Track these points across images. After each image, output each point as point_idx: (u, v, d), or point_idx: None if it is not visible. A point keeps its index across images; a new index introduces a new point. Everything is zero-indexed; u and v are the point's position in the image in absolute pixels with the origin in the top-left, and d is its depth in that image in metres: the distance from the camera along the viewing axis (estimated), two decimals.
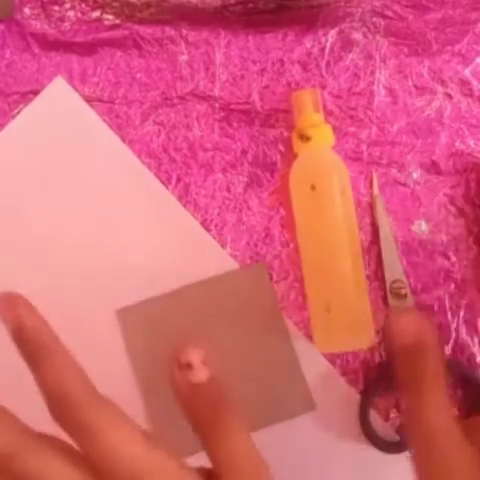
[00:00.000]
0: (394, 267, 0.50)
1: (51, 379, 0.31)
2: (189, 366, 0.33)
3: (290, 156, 0.50)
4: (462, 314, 0.50)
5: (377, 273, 0.50)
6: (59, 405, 0.31)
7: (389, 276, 0.50)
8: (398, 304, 0.49)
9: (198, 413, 0.34)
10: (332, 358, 0.50)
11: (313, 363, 0.50)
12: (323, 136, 0.48)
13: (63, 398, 0.31)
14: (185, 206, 0.50)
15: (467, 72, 0.51)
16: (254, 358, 0.50)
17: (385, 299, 0.50)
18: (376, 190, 0.50)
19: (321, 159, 0.48)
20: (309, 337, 0.49)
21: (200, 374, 0.34)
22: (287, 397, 0.49)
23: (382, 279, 0.50)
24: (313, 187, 0.47)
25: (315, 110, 0.48)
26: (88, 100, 0.51)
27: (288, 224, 0.50)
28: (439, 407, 0.33)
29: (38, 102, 0.51)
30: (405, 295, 0.49)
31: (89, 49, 0.51)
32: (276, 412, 0.49)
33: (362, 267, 0.48)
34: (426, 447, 0.34)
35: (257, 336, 0.50)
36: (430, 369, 0.33)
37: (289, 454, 0.49)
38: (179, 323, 0.49)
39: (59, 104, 0.51)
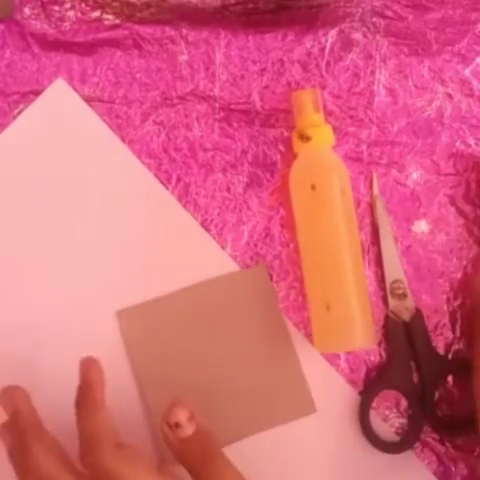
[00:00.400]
0: (394, 267, 0.50)
1: (88, 423, 0.40)
2: (177, 425, 0.41)
3: (290, 156, 0.50)
4: (462, 314, 0.50)
5: (377, 273, 0.50)
6: (88, 443, 0.39)
7: (389, 276, 0.50)
8: (398, 304, 0.49)
9: (190, 460, 0.41)
10: (332, 358, 0.50)
11: (313, 364, 0.50)
12: (323, 136, 0.48)
13: (92, 438, 0.39)
14: (185, 206, 0.50)
15: (467, 72, 0.51)
16: (254, 360, 0.50)
17: (385, 299, 0.50)
18: (376, 190, 0.50)
19: (321, 159, 0.48)
20: (309, 337, 0.49)
21: (187, 430, 0.41)
22: (287, 400, 0.49)
23: (382, 279, 0.50)
24: (313, 187, 0.47)
25: (315, 110, 0.48)
26: (88, 100, 0.51)
27: (288, 224, 0.50)
28: None
29: (38, 104, 0.51)
30: (405, 295, 0.49)
31: (89, 49, 0.51)
32: (276, 415, 0.49)
33: (362, 267, 0.48)
34: None
35: (257, 338, 0.50)
36: None
37: (290, 457, 0.49)
38: (179, 324, 0.49)
39: (59, 106, 0.51)
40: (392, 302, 0.49)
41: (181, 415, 0.41)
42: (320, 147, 0.48)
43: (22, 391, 0.43)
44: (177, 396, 0.43)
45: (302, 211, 0.48)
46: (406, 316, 0.49)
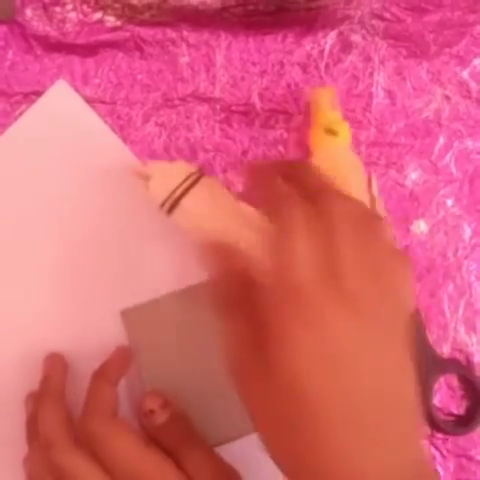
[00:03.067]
0: None
1: (92, 392, 0.44)
2: (152, 412, 0.44)
3: (290, 157, 0.51)
4: (460, 314, 0.50)
5: None
6: (87, 407, 0.43)
7: None
8: None
9: (167, 444, 0.43)
10: None
11: None
12: (347, 133, 0.48)
13: (91, 404, 0.44)
14: None
15: (465, 74, 0.52)
16: None
17: None
18: (375, 191, 0.50)
19: (343, 156, 0.48)
20: None
21: (162, 416, 0.44)
22: None
23: None
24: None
25: (333, 108, 0.48)
26: (90, 101, 0.51)
27: None
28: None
29: (40, 105, 0.51)
30: None
31: (91, 51, 0.51)
32: None
33: None
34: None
35: None
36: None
37: None
38: (183, 323, 0.49)
39: (61, 107, 0.51)
40: None
41: (154, 402, 0.45)
42: (341, 144, 0.48)
43: (60, 360, 0.48)
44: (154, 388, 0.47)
45: None
46: None
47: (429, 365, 0.49)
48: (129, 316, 0.49)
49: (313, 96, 0.49)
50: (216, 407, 0.49)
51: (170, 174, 0.45)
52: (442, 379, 0.50)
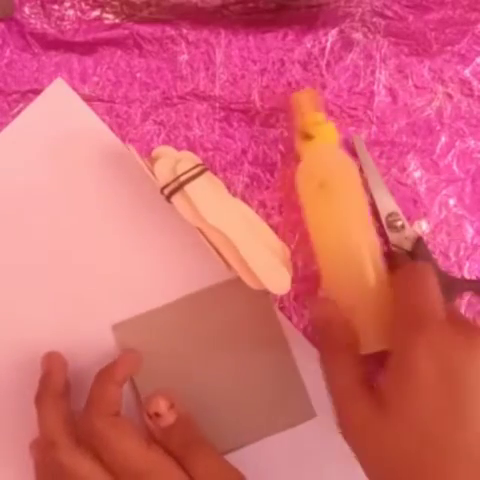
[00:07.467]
0: (386, 201, 0.50)
1: (95, 390, 0.44)
2: (157, 415, 0.43)
3: (290, 156, 0.50)
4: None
5: None
6: (89, 404, 0.43)
7: (383, 210, 0.50)
8: (398, 236, 0.49)
9: (172, 448, 0.42)
10: None
11: (311, 366, 0.49)
12: (326, 133, 0.47)
13: (93, 402, 0.43)
14: None
15: (467, 72, 0.51)
16: (253, 368, 0.49)
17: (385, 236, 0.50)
18: (363, 154, 0.50)
19: (328, 156, 0.47)
20: (308, 338, 0.49)
21: (167, 419, 0.43)
22: (287, 406, 0.49)
23: (376, 216, 0.50)
24: (323, 185, 0.46)
25: (316, 109, 0.48)
26: (88, 99, 0.51)
27: (288, 224, 0.50)
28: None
29: (38, 103, 0.51)
30: (403, 226, 0.49)
31: (89, 48, 0.51)
32: (276, 422, 0.49)
33: (381, 263, 0.46)
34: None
35: (256, 346, 0.49)
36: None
37: (291, 463, 0.49)
38: (176, 335, 0.49)
39: (59, 105, 0.51)
40: (392, 235, 0.49)
41: (161, 404, 0.43)
42: (325, 145, 0.47)
43: (61, 359, 0.47)
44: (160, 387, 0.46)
45: (314, 211, 0.47)
46: (408, 246, 0.49)
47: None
48: (121, 330, 0.49)
49: (294, 99, 0.48)
50: (213, 418, 0.48)
51: (178, 159, 0.46)
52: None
